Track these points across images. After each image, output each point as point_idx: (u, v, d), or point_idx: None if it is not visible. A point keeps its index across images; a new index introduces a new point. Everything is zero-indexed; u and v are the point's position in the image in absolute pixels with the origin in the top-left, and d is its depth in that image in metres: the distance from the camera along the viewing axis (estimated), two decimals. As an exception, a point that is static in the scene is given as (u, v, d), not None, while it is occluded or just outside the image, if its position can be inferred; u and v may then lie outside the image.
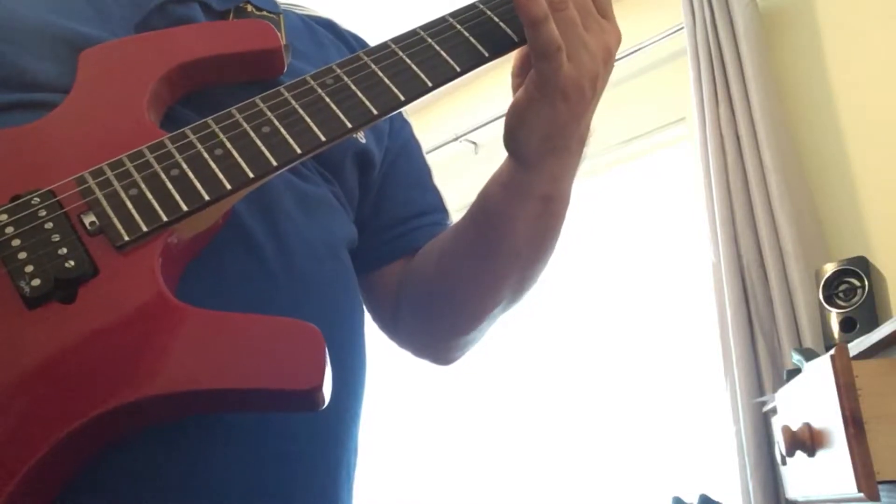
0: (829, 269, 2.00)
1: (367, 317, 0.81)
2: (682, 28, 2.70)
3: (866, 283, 1.91)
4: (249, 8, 0.76)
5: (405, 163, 0.86)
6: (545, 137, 0.65)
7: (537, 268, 0.76)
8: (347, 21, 0.89)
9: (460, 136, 3.32)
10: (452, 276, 0.77)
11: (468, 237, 0.76)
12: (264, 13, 0.76)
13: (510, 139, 0.67)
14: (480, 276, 0.76)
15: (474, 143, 3.36)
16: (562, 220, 0.74)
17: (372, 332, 0.81)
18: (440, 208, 0.88)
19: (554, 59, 0.61)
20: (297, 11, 0.85)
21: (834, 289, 1.97)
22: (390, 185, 0.84)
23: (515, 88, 0.68)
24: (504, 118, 0.67)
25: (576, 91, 0.62)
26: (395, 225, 0.83)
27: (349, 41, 0.86)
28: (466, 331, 0.81)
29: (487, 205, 0.73)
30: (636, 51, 2.78)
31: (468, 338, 0.82)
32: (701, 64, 2.59)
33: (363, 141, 0.78)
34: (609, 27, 0.65)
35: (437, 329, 0.83)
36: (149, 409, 0.49)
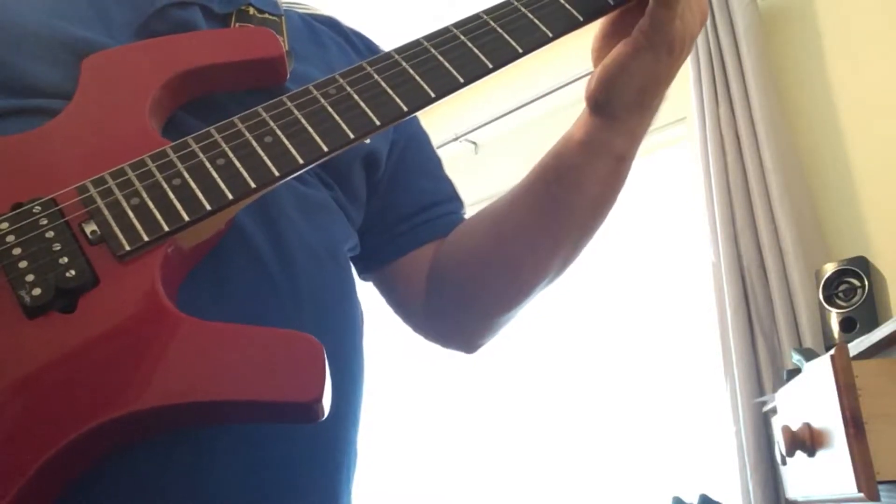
0: (829, 269, 2.00)
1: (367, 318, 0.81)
2: (682, 28, 2.70)
3: (866, 283, 1.91)
4: (251, 10, 0.75)
5: (416, 153, 0.87)
6: (640, 90, 0.69)
7: (591, 234, 0.78)
8: (349, 19, 0.89)
9: (460, 136, 3.32)
10: (509, 244, 0.78)
11: (531, 199, 0.77)
12: (266, 15, 0.76)
13: (604, 90, 0.69)
14: (540, 242, 0.77)
15: (474, 143, 3.36)
16: (623, 185, 0.76)
17: (372, 333, 0.81)
18: (455, 197, 0.89)
19: (674, 7, 0.65)
20: (298, 10, 0.84)
21: (834, 289, 1.97)
22: (402, 177, 0.84)
23: (598, 56, 0.71)
24: (599, 72, 0.69)
25: (679, 44, 0.67)
26: (413, 214, 0.84)
27: (352, 39, 0.85)
28: (510, 307, 0.81)
29: (560, 163, 0.74)
30: (636, 50, 2.77)
31: (507, 316, 0.82)
32: (701, 64, 2.59)
33: (367, 141, 0.78)
34: None
35: (479, 307, 0.82)
36: (148, 419, 0.49)
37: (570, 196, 0.74)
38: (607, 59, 0.69)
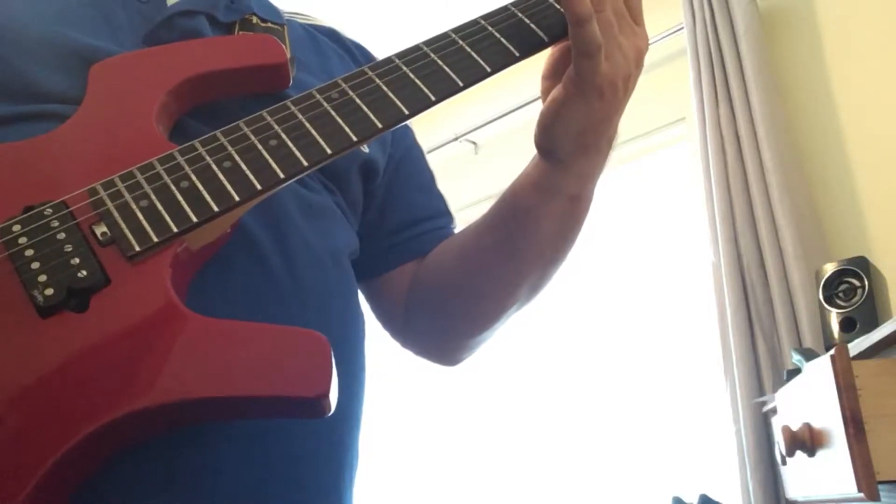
0: (829, 269, 2.01)
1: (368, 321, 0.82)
2: (682, 28, 2.70)
3: (866, 283, 1.92)
4: (255, 19, 0.77)
5: (409, 168, 0.88)
6: (579, 134, 0.68)
7: (556, 266, 0.79)
8: (350, 30, 0.90)
9: (460, 136, 3.32)
10: (474, 274, 0.79)
11: (492, 236, 0.77)
12: (269, 24, 0.77)
13: (545, 136, 0.70)
14: (503, 273, 0.78)
15: (474, 143, 3.37)
16: (584, 220, 0.76)
17: (372, 335, 0.82)
18: (445, 212, 0.89)
19: (594, 57, 0.64)
20: (300, 21, 0.86)
21: (834, 289, 1.98)
22: (395, 190, 0.85)
23: (545, 91, 0.71)
24: (539, 118, 0.69)
25: (611, 89, 0.65)
26: (401, 229, 0.85)
27: (352, 50, 0.87)
28: (481, 330, 0.82)
29: (515, 203, 0.75)
30: (636, 51, 2.78)
31: (480, 338, 0.84)
32: (701, 64, 2.60)
33: (367, 150, 0.79)
34: (641, 32, 0.69)
35: (451, 329, 0.84)
36: (159, 416, 0.51)
37: (527, 234, 0.74)
38: (544, 107, 0.69)
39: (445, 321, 0.83)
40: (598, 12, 0.64)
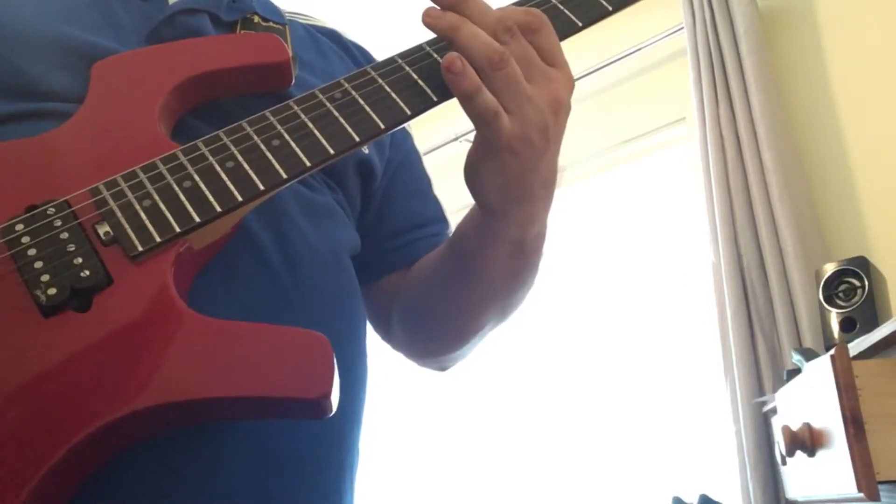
0: (829, 269, 2.01)
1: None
2: (682, 28, 2.71)
3: (866, 283, 1.92)
4: (256, 19, 0.77)
5: (406, 173, 0.88)
6: (502, 189, 0.64)
7: (518, 297, 0.77)
8: (350, 31, 0.90)
9: (460, 136, 3.32)
10: (436, 301, 0.79)
11: (447, 271, 0.77)
12: (271, 24, 0.77)
13: (470, 190, 0.67)
14: (461, 305, 0.77)
15: (475, 143, 3.37)
16: (538, 257, 0.73)
17: (373, 335, 0.82)
18: (440, 219, 0.89)
19: (492, 124, 0.60)
20: (301, 21, 0.86)
21: (834, 289, 1.98)
22: (392, 195, 0.85)
23: None
24: (463, 173, 0.67)
25: (524, 145, 0.61)
26: (396, 235, 0.85)
27: (352, 52, 0.87)
28: (453, 349, 0.83)
29: (461, 246, 0.74)
30: (636, 51, 2.78)
31: (456, 354, 0.84)
32: (701, 64, 2.60)
33: (366, 151, 0.79)
34: (557, 75, 0.63)
35: (425, 344, 0.85)
36: (162, 415, 0.51)
37: (474, 275, 0.72)
38: (465, 160, 0.66)
39: (419, 336, 0.84)
40: (499, 69, 0.60)
